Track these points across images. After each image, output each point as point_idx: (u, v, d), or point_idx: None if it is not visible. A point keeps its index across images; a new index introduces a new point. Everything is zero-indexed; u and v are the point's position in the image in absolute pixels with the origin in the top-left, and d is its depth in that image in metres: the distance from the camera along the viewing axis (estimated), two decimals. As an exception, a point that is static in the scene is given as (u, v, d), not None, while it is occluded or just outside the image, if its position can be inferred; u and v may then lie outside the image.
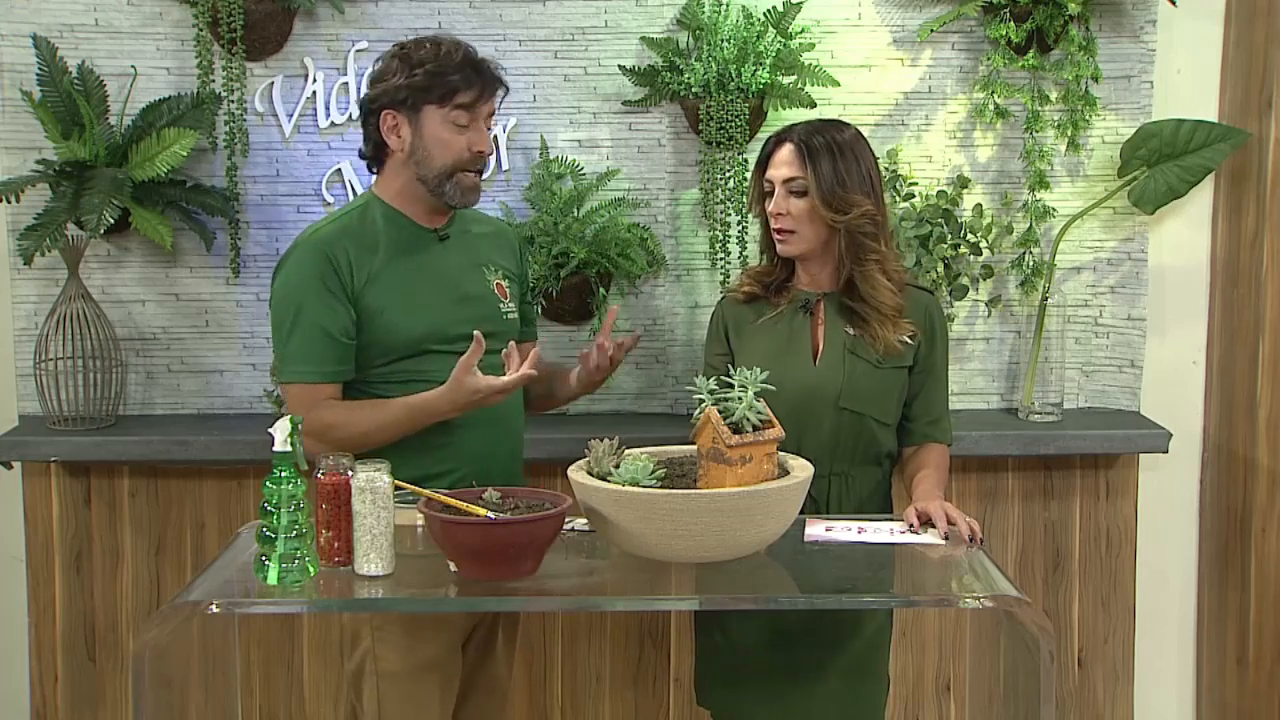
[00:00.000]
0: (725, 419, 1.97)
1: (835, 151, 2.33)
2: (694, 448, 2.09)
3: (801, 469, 2.05)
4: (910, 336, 2.36)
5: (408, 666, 2.32)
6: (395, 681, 2.34)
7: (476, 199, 2.46)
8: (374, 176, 2.48)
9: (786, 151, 2.35)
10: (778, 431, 2.00)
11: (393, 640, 2.32)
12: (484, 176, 2.48)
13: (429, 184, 2.40)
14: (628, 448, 2.11)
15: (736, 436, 1.95)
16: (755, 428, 1.98)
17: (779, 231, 2.36)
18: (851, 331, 2.36)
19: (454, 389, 2.27)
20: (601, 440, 2.08)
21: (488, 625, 2.52)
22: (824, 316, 2.40)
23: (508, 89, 2.47)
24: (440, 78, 2.35)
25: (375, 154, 2.45)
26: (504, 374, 2.31)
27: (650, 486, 1.96)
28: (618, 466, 2.02)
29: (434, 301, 2.39)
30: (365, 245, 2.38)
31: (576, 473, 2.05)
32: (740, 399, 1.98)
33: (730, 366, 2.35)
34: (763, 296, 2.45)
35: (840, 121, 2.45)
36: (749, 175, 2.98)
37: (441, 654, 2.35)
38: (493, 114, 2.44)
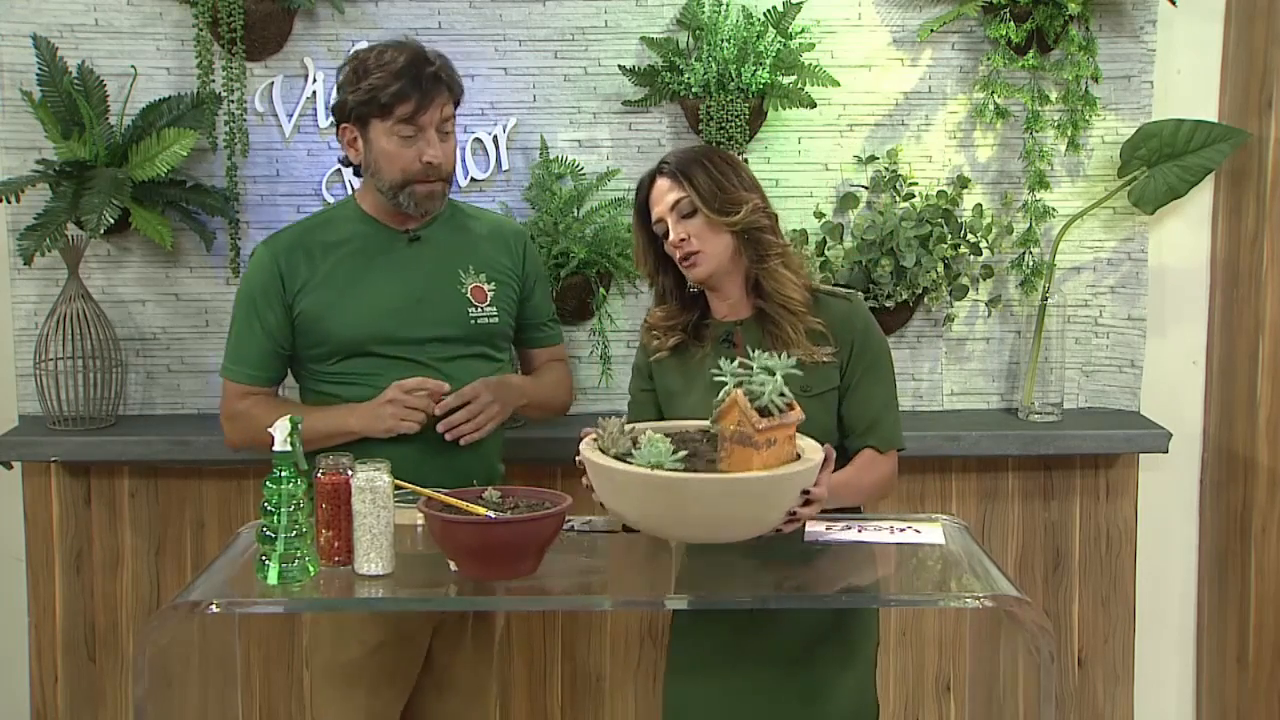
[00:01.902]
0: (751, 402, 1.95)
1: (702, 163, 2.30)
2: (695, 424, 2.09)
3: (813, 449, 2.04)
4: (831, 355, 2.27)
5: (333, 665, 2.38)
6: (323, 678, 2.41)
7: (438, 205, 2.43)
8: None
9: (660, 185, 2.30)
10: (799, 414, 1.97)
11: (323, 639, 2.39)
12: (453, 181, 2.46)
13: (385, 195, 2.40)
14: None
15: (765, 420, 1.92)
16: (780, 410, 1.96)
17: (685, 258, 2.28)
18: None
19: (373, 408, 2.33)
20: (609, 418, 2.06)
21: (453, 624, 2.50)
22: (745, 350, 2.31)
23: (461, 90, 2.42)
24: (378, 91, 2.32)
25: (349, 162, 2.47)
26: (471, 376, 2.37)
27: (675, 469, 1.93)
28: (635, 446, 1.99)
29: (384, 303, 2.38)
30: (319, 249, 2.41)
31: (593, 453, 1.99)
32: (766, 383, 1.96)
33: (655, 403, 2.37)
34: (683, 344, 2.36)
35: (699, 145, 2.44)
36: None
37: (366, 655, 2.37)
38: (447, 120, 2.39)
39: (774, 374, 1.96)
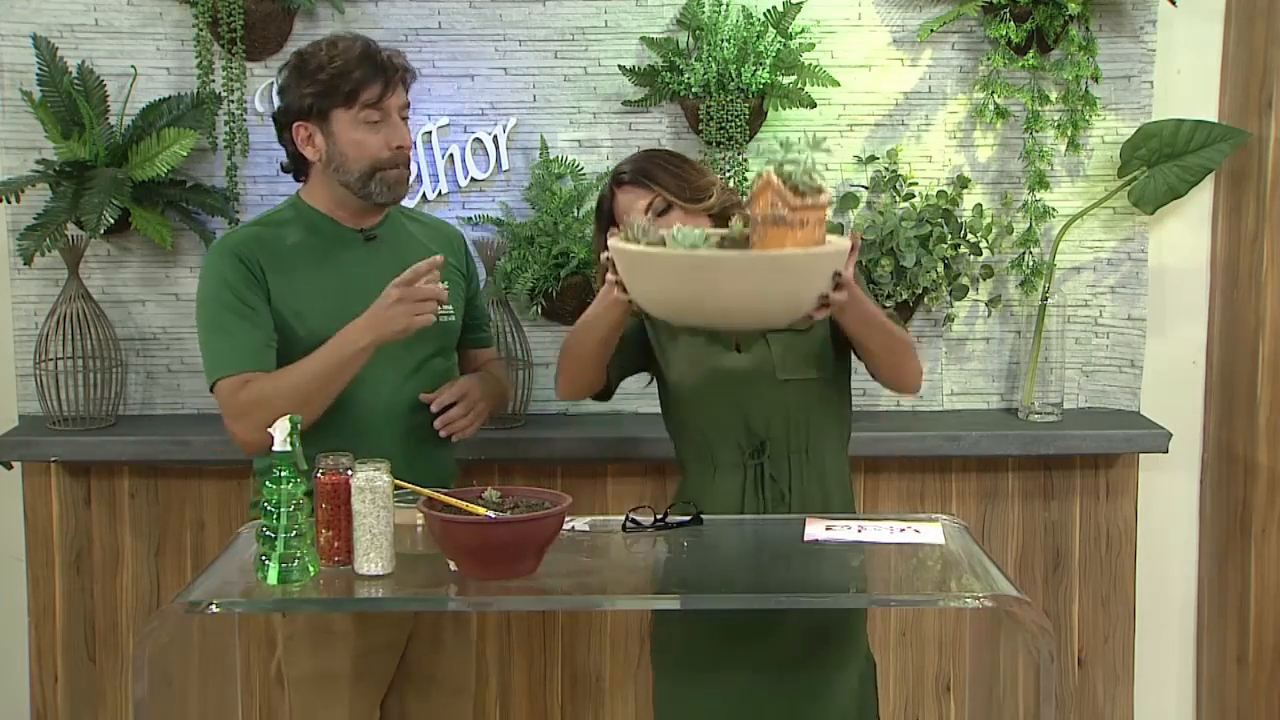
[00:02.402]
0: (785, 182, 1.89)
1: (657, 162, 2.33)
2: (715, 230, 2.06)
3: (837, 239, 2.01)
4: None
5: (314, 676, 2.34)
6: (302, 689, 2.35)
7: (405, 192, 2.42)
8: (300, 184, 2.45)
9: (625, 195, 2.32)
10: (829, 195, 1.94)
11: (300, 650, 2.33)
12: (411, 170, 2.42)
13: (353, 188, 2.36)
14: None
15: (799, 199, 1.89)
16: (812, 191, 1.91)
17: None
18: None
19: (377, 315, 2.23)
20: (633, 218, 2.02)
21: (431, 623, 2.48)
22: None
23: (415, 76, 2.42)
24: (341, 78, 2.30)
25: (296, 165, 2.42)
26: (439, 378, 2.37)
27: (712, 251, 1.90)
28: (664, 240, 1.95)
29: (356, 304, 2.32)
30: (280, 250, 2.35)
31: (623, 243, 1.96)
32: (798, 161, 1.90)
33: (647, 340, 2.37)
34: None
35: (644, 149, 2.45)
36: (749, 175, 2.99)
37: (349, 665, 2.34)
38: (406, 106, 2.39)
39: (805, 153, 1.91)
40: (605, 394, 2.40)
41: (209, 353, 2.33)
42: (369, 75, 2.32)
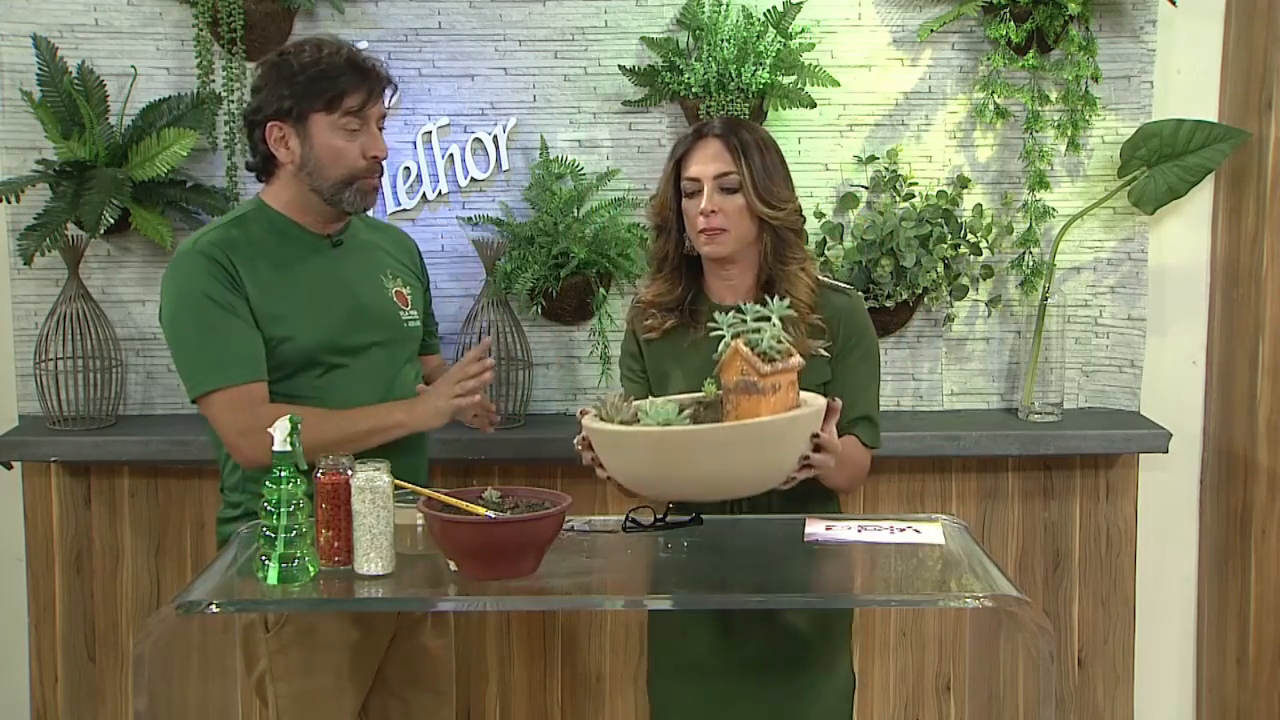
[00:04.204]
0: (752, 350, 1.92)
1: (762, 147, 2.24)
2: (690, 396, 2.07)
3: (812, 397, 2.02)
4: (825, 348, 2.24)
5: (301, 689, 2.29)
6: (292, 703, 2.30)
7: (375, 201, 2.38)
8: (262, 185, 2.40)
9: (714, 147, 2.23)
10: (799, 359, 1.96)
11: (288, 663, 2.28)
12: (382, 179, 2.39)
13: (324, 194, 2.30)
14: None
15: (769, 365, 1.90)
16: (780, 355, 1.93)
17: (708, 231, 2.22)
18: None
19: (421, 397, 2.26)
20: (607, 393, 2.04)
21: (413, 622, 2.46)
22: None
23: (396, 88, 2.38)
24: (324, 82, 2.26)
25: (264, 165, 2.35)
26: (411, 385, 2.37)
27: (685, 426, 1.90)
28: (639, 412, 1.96)
29: (330, 311, 2.30)
30: (250, 254, 2.28)
31: (596, 423, 1.96)
32: (763, 329, 1.93)
33: (648, 386, 2.33)
34: (677, 324, 2.32)
35: (749, 120, 2.32)
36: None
37: (336, 675, 2.31)
38: (384, 116, 2.35)
39: (770, 319, 1.94)
40: None
41: (205, 358, 2.23)
42: (353, 82, 2.27)
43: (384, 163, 2.36)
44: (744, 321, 1.96)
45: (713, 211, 2.21)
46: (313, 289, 2.32)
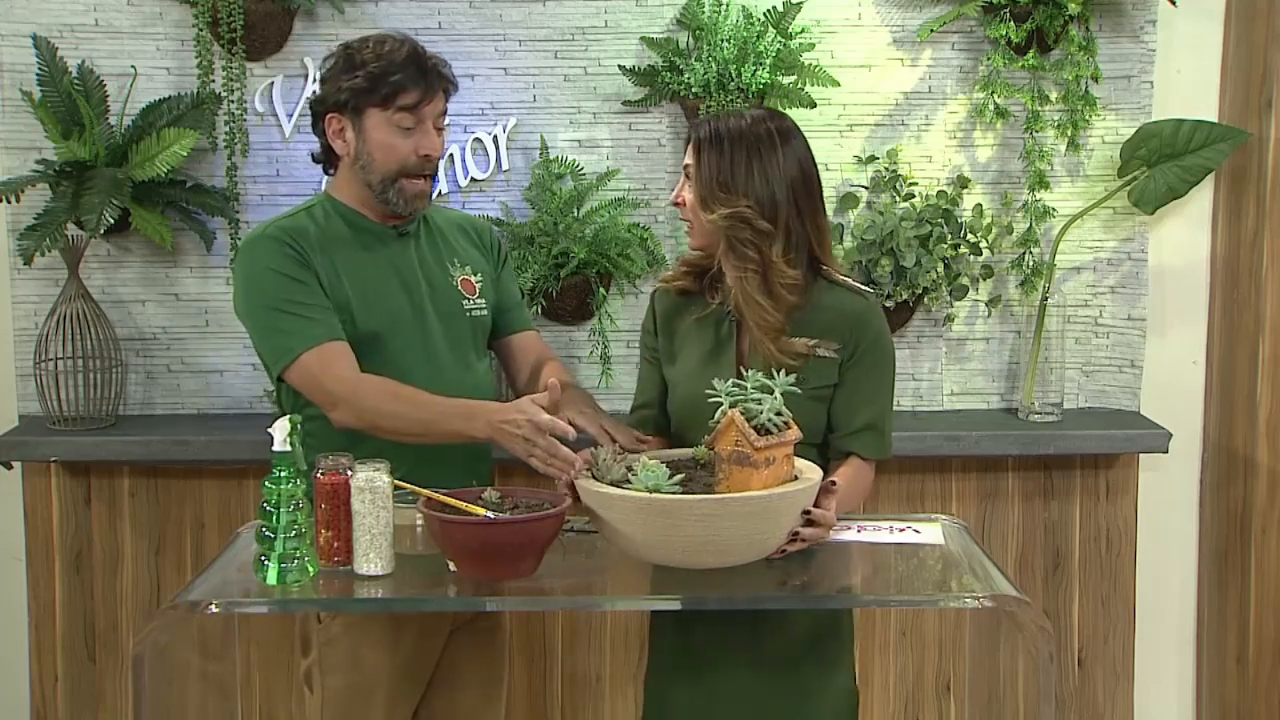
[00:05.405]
0: (749, 420, 1.93)
1: (732, 143, 2.15)
2: (684, 451, 2.09)
3: (809, 469, 2.03)
4: (835, 350, 2.19)
5: (350, 684, 2.29)
6: (338, 695, 2.30)
7: (424, 205, 2.38)
8: (327, 178, 2.43)
9: (689, 153, 2.23)
10: (796, 432, 1.96)
11: (337, 656, 2.28)
12: (437, 181, 2.37)
13: (374, 189, 2.32)
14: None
15: (763, 439, 1.91)
16: (777, 429, 1.94)
17: (683, 219, 2.26)
18: None
19: (498, 408, 2.17)
20: (599, 448, 2.05)
21: (466, 622, 2.46)
22: (747, 331, 2.26)
23: (456, 87, 2.38)
24: (382, 79, 2.27)
25: (327, 157, 2.38)
26: (482, 378, 2.35)
27: (673, 493, 1.91)
28: (630, 471, 1.99)
29: (396, 297, 2.32)
30: (319, 242, 2.30)
31: (588, 482, 1.99)
32: (763, 401, 1.94)
33: (660, 374, 2.32)
34: (696, 291, 2.31)
35: (776, 114, 2.23)
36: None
37: (387, 672, 2.31)
38: (442, 114, 2.35)
39: (771, 392, 1.95)
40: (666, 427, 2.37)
41: (284, 329, 2.23)
42: (410, 79, 2.28)
43: (438, 162, 2.37)
44: (744, 390, 1.96)
45: (680, 202, 2.24)
46: (376, 278, 2.33)
